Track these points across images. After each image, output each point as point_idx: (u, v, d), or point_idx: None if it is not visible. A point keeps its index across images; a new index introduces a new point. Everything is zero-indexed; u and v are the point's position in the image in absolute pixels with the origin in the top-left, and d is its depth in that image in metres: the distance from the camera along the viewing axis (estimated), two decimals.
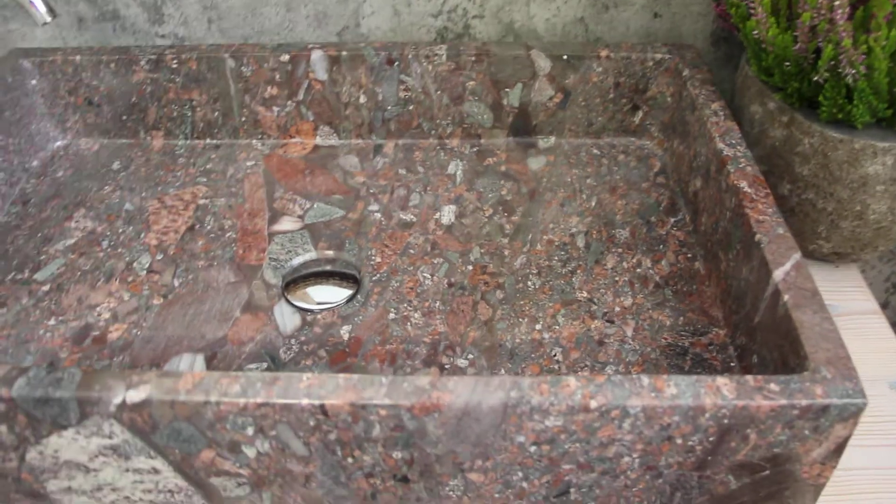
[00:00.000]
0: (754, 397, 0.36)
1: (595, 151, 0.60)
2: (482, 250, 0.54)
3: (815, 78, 0.46)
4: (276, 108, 0.60)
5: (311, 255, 0.54)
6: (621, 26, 0.59)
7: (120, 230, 0.56)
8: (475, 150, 0.61)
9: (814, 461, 0.39)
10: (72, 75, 0.59)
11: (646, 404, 0.36)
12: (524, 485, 0.40)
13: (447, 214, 0.56)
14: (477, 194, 0.57)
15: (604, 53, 0.57)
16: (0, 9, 0.60)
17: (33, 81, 0.59)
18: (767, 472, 0.39)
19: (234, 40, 0.62)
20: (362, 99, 0.59)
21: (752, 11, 0.46)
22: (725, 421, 0.37)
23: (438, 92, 0.59)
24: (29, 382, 0.38)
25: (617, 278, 0.52)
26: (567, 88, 0.58)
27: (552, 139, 0.61)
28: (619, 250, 0.53)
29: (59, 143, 0.62)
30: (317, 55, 0.58)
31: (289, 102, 0.60)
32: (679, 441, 0.38)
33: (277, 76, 0.59)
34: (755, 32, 0.47)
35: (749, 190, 0.47)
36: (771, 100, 0.51)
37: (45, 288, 0.52)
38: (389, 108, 0.60)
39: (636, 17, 0.59)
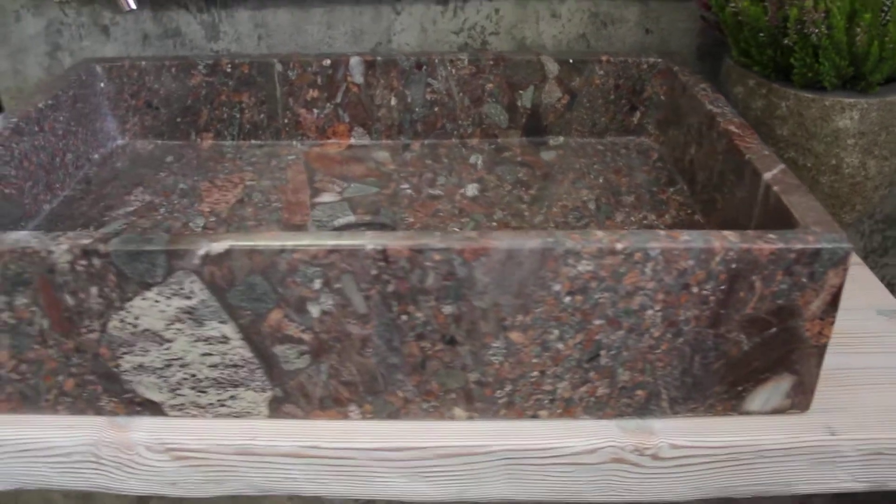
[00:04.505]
0: (756, 242, 0.44)
1: (599, 147, 0.71)
2: (504, 212, 0.62)
3: (786, 41, 0.58)
4: (315, 111, 0.70)
5: (350, 217, 0.62)
6: (618, 42, 0.72)
7: (175, 202, 0.64)
8: (493, 147, 0.71)
9: (814, 315, 0.46)
10: (136, 79, 0.70)
11: (664, 247, 0.44)
12: (560, 346, 0.46)
13: (471, 190, 0.65)
14: (497, 177, 0.67)
15: (605, 58, 0.69)
16: (77, 28, 0.71)
17: (101, 84, 0.69)
18: (775, 328, 0.46)
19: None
20: (393, 101, 0.70)
21: None
22: (734, 265, 0.44)
23: (461, 94, 0.70)
24: (124, 240, 0.44)
25: (625, 228, 0.60)
26: (573, 90, 0.70)
27: (561, 138, 0.72)
28: (627, 210, 0.62)
29: (118, 142, 0.71)
30: (355, 60, 0.69)
31: (328, 105, 0.70)
32: (695, 290, 0.45)
33: (319, 80, 0.69)
34: (732, 5, 0.59)
35: (737, 131, 0.56)
36: (751, 78, 0.62)
37: None
38: (417, 109, 0.70)
39: (630, 33, 0.71)
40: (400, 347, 0.47)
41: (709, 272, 0.44)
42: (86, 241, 0.44)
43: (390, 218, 0.62)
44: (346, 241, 0.44)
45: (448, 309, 0.45)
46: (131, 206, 0.63)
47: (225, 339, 0.47)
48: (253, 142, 0.72)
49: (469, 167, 0.68)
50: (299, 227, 0.61)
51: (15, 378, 0.49)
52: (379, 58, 0.69)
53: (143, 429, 0.49)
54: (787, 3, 0.56)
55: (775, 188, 0.50)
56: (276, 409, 0.49)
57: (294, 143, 0.72)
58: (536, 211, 0.62)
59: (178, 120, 0.71)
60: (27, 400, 0.50)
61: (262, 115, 0.71)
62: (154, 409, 0.50)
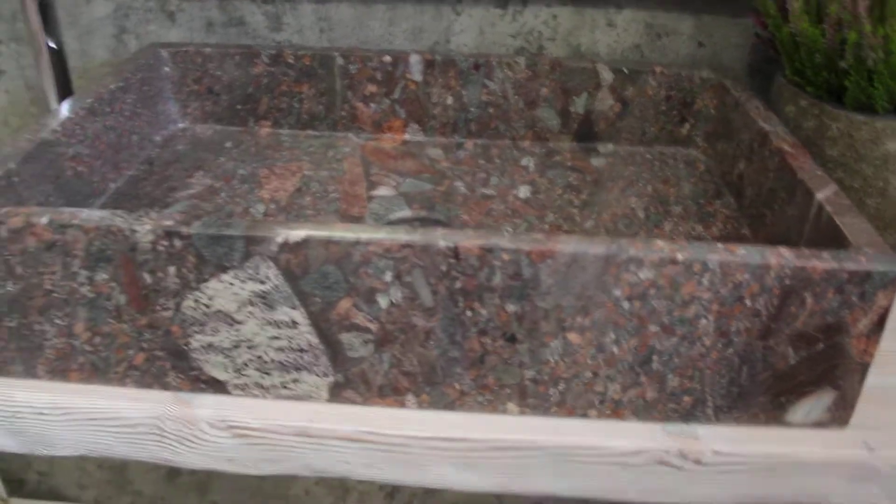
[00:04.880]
0: (811, 260, 0.46)
1: (648, 156, 0.73)
2: (556, 215, 0.64)
3: (842, 64, 0.60)
4: (373, 105, 0.73)
5: (406, 212, 0.65)
6: (671, 53, 0.74)
7: (235, 187, 0.66)
8: (544, 150, 0.73)
9: (861, 333, 0.48)
10: (200, 65, 0.72)
11: (722, 259, 0.46)
12: (614, 349, 0.49)
13: (523, 191, 0.67)
14: (548, 180, 0.69)
15: (658, 69, 0.71)
16: (144, 12, 0.74)
17: (166, 68, 0.72)
18: (822, 344, 0.48)
19: None
20: (449, 100, 0.72)
21: (787, 7, 0.60)
22: (787, 281, 0.46)
23: (516, 97, 0.72)
24: (205, 224, 0.47)
25: (674, 237, 0.62)
26: (626, 99, 0.72)
27: (610, 146, 0.74)
28: (675, 220, 0.64)
29: (179, 126, 0.74)
30: (415, 58, 0.71)
31: (385, 100, 0.73)
32: (748, 302, 0.47)
33: (378, 75, 0.72)
34: (791, 26, 0.61)
35: (790, 150, 0.58)
36: (803, 98, 0.64)
37: None
38: (472, 109, 0.73)
39: (683, 46, 0.73)
40: (462, 342, 0.49)
41: (763, 286, 0.46)
42: (168, 223, 0.47)
43: (445, 215, 0.64)
44: (419, 237, 0.46)
45: (511, 307, 0.47)
46: (193, 189, 0.65)
47: (294, 325, 0.49)
48: (309, 132, 0.74)
49: (521, 169, 0.70)
50: (357, 219, 0.63)
51: (88, 349, 0.51)
52: (438, 57, 0.71)
53: (207, 405, 0.52)
54: (845, 27, 0.58)
55: (828, 208, 0.52)
56: (336, 394, 0.52)
57: (350, 135, 0.74)
58: (587, 216, 0.64)
59: (238, 107, 0.74)
60: (98, 371, 0.52)
61: (320, 107, 0.73)
62: (218, 387, 0.52)
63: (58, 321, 0.50)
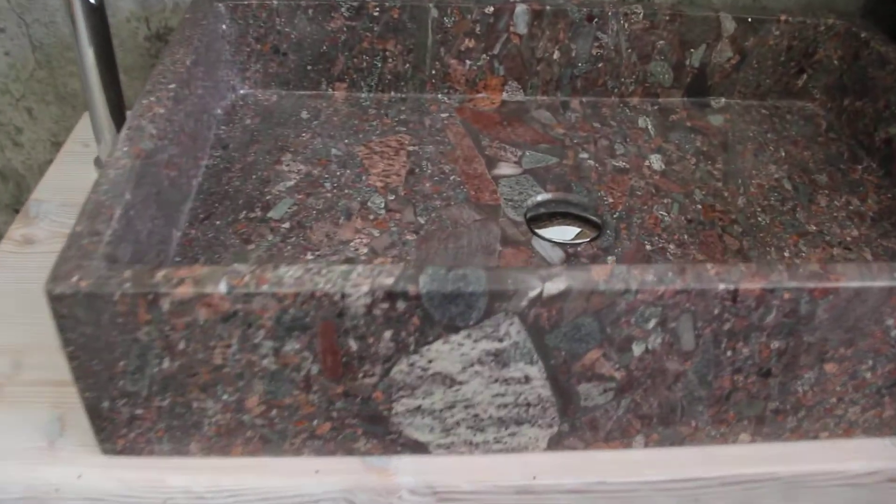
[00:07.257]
0: None
1: (764, 111, 0.68)
2: (703, 192, 0.59)
3: None
4: (468, 62, 0.63)
5: (544, 195, 0.57)
6: None
7: (337, 173, 0.56)
8: (656, 107, 0.67)
9: None
10: (264, 21, 0.60)
11: None
12: (867, 375, 0.45)
13: (656, 162, 0.61)
14: (675, 146, 0.63)
15: (782, 18, 0.65)
16: None
17: (223, 26, 0.59)
18: None
19: None
20: (556, 55, 0.64)
21: None
22: None
23: (629, 50, 0.64)
24: (437, 280, 0.39)
25: (835, 214, 0.58)
26: (745, 51, 0.66)
27: (723, 100, 0.68)
28: (826, 192, 0.60)
29: (239, 93, 0.62)
30: (521, 8, 0.62)
31: (483, 56, 0.63)
32: None
33: (478, 28, 0.62)
34: None
35: None
36: None
37: (286, 225, 0.52)
38: (580, 64, 0.65)
39: None
40: (712, 381, 0.44)
41: None
42: (388, 281, 0.38)
43: (586, 196, 0.57)
44: (695, 280, 0.40)
45: (776, 344, 0.43)
46: (290, 180, 0.55)
47: (526, 380, 0.42)
48: (393, 94, 0.64)
49: (641, 132, 0.64)
50: (492, 208, 0.55)
51: (259, 424, 0.43)
52: (548, 7, 0.62)
53: (407, 471, 0.45)
54: None
55: None
56: (557, 442, 0.46)
57: (439, 96, 0.65)
58: (735, 191, 0.59)
59: (309, 68, 0.62)
60: (269, 444, 0.44)
61: (406, 65, 0.63)
62: (417, 448, 0.45)
63: (225, 397, 0.41)
